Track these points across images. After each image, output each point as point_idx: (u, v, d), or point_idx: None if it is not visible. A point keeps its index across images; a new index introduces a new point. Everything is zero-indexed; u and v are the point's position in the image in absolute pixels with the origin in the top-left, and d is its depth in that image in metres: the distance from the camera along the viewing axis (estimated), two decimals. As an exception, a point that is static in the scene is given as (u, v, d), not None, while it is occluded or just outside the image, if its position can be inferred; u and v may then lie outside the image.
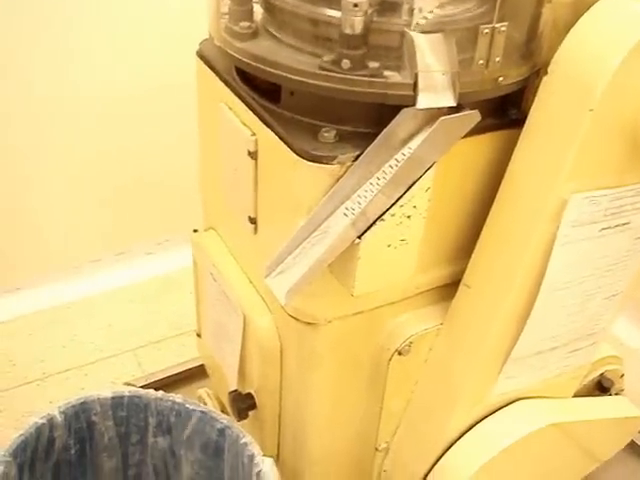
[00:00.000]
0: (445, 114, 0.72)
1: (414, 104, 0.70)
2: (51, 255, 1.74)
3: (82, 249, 1.78)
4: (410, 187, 0.74)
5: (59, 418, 0.92)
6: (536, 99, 0.77)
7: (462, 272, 0.87)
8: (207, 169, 1.07)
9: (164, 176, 1.74)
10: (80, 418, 0.94)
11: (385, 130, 0.73)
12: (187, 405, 0.95)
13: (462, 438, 0.95)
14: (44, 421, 0.91)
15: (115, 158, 1.70)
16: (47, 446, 0.91)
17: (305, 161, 0.75)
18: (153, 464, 0.98)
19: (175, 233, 1.75)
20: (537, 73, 0.79)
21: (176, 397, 0.96)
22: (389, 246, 0.76)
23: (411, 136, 0.73)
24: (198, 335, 1.23)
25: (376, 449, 1.01)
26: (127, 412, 0.96)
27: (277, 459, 0.92)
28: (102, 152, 1.68)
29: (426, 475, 0.97)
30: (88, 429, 0.95)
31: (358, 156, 0.74)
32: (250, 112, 0.84)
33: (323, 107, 0.78)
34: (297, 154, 0.76)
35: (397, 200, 0.74)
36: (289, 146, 0.77)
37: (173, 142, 1.65)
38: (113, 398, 0.95)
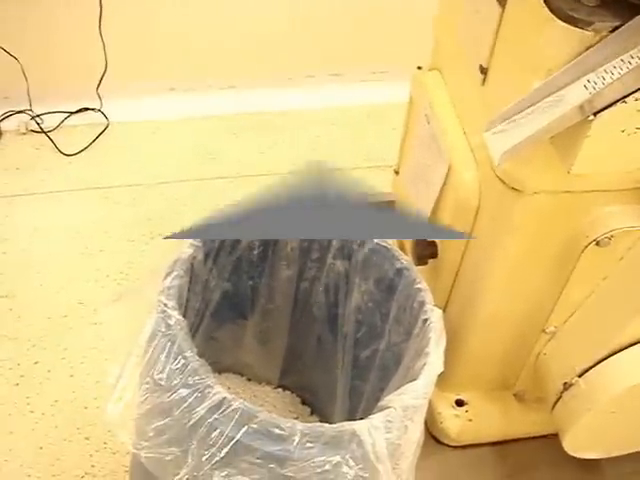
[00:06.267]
0: None
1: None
2: (267, 61, 1.76)
3: (298, 63, 1.79)
4: (664, 74, 0.68)
5: (249, 218, 0.95)
6: None
7: (690, 178, 0.82)
8: (446, 7, 1.03)
9: (395, 4, 1.70)
10: (269, 223, 0.97)
11: (656, 5, 0.67)
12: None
13: (634, 347, 0.92)
14: (234, 217, 0.94)
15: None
16: (233, 241, 0.95)
17: (559, 21, 0.71)
18: (325, 284, 1.00)
19: (393, 66, 1.72)
20: None
21: (363, 227, 0.96)
22: (623, 131, 0.72)
23: (684, 18, 0.67)
24: (396, 172, 1.22)
25: (543, 330, 1.00)
26: (313, 229, 0.98)
27: (443, 312, 0.93)
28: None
29: (585, 371, 0.95)
30: (274, 235, 0.98)
31: (617, 27, 0.69)
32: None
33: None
34: (552, 11, 0.72)
35: (646, 85, 0.69)
36: (545, 1, 0.72)
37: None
38: (303, 212, 0.97)
